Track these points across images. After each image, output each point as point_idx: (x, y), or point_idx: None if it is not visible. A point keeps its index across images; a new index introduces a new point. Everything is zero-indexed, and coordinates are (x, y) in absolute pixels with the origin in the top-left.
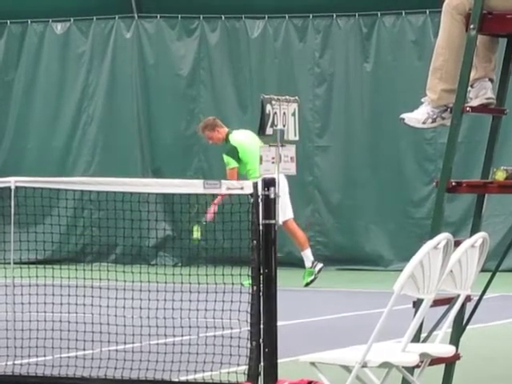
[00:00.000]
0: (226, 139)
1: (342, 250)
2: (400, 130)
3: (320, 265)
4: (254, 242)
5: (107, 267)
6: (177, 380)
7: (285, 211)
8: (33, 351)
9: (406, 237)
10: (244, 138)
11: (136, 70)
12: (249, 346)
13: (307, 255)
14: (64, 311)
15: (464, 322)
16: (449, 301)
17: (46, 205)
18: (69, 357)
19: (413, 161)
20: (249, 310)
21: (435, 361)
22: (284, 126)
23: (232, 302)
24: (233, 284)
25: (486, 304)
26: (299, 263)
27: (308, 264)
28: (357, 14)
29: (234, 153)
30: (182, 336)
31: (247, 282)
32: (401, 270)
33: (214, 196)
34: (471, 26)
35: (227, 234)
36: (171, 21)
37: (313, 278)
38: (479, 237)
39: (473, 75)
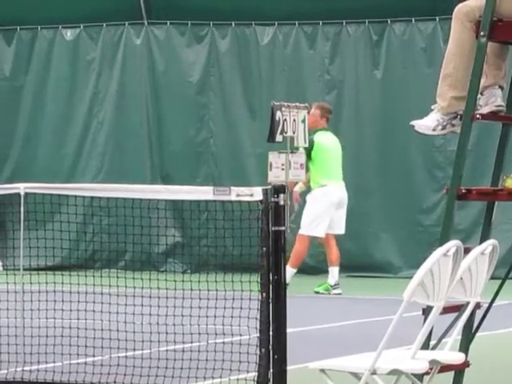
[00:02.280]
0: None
1: (352, 256)
2: (410, 137)
3: (340, 290)
4: (264, 248)
5: (116, 274)
6: None
7: (335, 225)
8: (42, 357)
9: (415, 244)
10: (327, 140)
11: (146, 77)
12: (258, 352)
13: (334, 273)
14: (73, 317)
15: (473, 329)
16: (458, 308)
17: (56, 211)
18: (78, 363)
19: (422, 168)
20: (258, 316)
21: (444, 368)
22: (294, 132)
23: (241, 308)
24: (242, 291)
25: (496, 311)
26: (309, 270)
27: (331, 281)
28: (367, 21)
29: (309, 145)
30: (192, 343)
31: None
32: (410, 277)
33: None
34: (481, 33)
35: (237, 241)
36: (181, 27)
37: (326, 293)
38: (489, 244)
39: (483, 82)
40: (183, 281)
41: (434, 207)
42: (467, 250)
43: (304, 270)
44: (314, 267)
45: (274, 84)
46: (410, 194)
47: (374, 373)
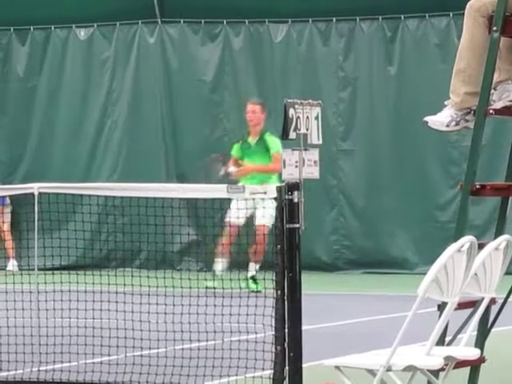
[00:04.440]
0: (262, 134)
1: (368, 253)
2: (424, 134)
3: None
4: (278, 246)
5: (132, 273)
6: None
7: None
8: (57, 357)
9: (430, 240)
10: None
11: (160, 76)
12: (273, 350)
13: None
14: (88, 317)
15: (489, 324)
16: (473, 304)
17: (70, 211)
18: (93, 362)
19: (437, 164)
20: (273, 314)
21: (460, 364)
22: (307, 129)
23: (256, 306)
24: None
25: (511, 307)
26: (325, 267)
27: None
28: (380, 18)
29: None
30: (207, 341)
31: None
32: (426, 274)
33: None
34: (494, 28)
35: (251, 239)
36: (195, 26)
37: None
38: (503, 239)
39: (496, 78)
40: (198, 279)
41: (449, 203)
42: (482, 246)
43: (320, 266)
44: (330, 264)
45: (288, 81)
46: (425, 190)
47: (389, 369)
